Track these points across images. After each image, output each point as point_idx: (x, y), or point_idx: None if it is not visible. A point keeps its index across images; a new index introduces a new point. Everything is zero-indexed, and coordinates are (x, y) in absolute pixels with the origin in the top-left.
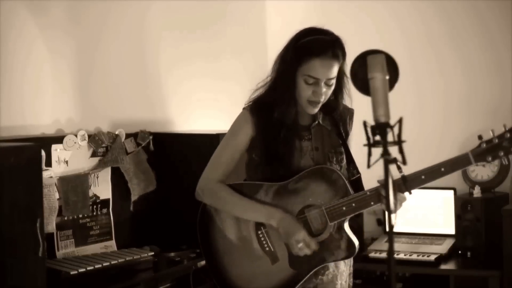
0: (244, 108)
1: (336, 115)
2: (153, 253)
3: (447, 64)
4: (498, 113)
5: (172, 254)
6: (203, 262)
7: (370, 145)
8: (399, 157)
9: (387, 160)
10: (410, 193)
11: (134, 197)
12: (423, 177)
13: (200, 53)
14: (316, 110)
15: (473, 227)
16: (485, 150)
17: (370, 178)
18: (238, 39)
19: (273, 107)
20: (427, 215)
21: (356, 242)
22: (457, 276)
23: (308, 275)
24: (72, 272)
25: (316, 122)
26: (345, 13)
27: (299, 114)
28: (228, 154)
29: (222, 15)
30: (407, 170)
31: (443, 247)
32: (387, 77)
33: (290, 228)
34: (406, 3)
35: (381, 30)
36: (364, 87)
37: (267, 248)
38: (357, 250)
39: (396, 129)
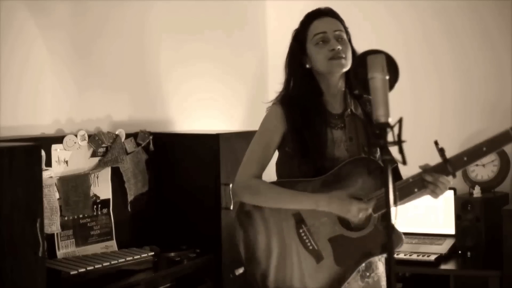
0: (273, 103)
1: (368, 107)
2: (153, 253)
3: (444, 64)
4: (496, 113)
5: (172, 254)
6: (240, 270)
7: (371, 145)
8: (399, 157)
9: (387, 160)
10: (454, 176)
11: (130, 197)
12: (465, 158)
13: (200, 53)
14: (342, 66)
15: (473, 227)
16: None
17: None
18: (238, 39)
19: (297, 96)
20: (427, 215)
21: (401, 232)
22: (457, 276)
23: (356, 271)
24: (72, 272)
25: (349, 110)
26: (344, 13)
27: (329, 103)
28: (261, 150)
29: (222, 15)
30: (407, 170)
31: (443, 247)
32: (387, 77)
33: (342, 207)
34: (404, 3)
35: (379, 30)
36: (364, 87)
37: (311, 247)
38: (403, 240)
39: (396, 129)
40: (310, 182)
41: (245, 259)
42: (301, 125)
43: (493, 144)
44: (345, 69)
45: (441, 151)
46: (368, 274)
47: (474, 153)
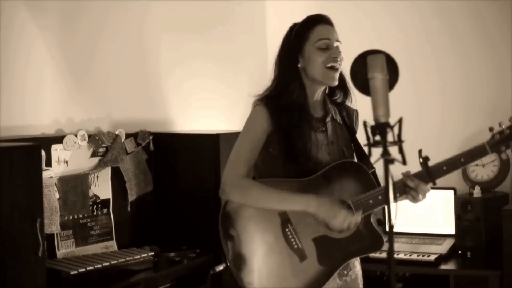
0: (257, 104)
1: (344, 113)
2: (153, 253)
3: (445, 64)
4: (496, 113)
5: (172, 254)
6: (221, 267)
7: (370, 145)
8: (399, 157)
9: (387, 160)
10: (434, 184)
11: (132, 197)
12: (444, 168)
13: (200, 53)
14: (336, 78)
15: (473, 227)
16: (500, 141)
17: None
18: (238, 39)
19: (285, 97)
20: (427, 215)
21: (382, 235)
22: (457, 276)
23: (338, 271)
24: (72, 272)
25: (331, 115)
26: (345, 13)
27: (311, 107)
28: (248, 150)
29: (222, 16)
30: (407, 169)
31: (443, 247)
32: (387, 77)
33: (330, 212)
34: (405, 3)
35: (380, 30)
36: (364, 87)
37: (295, 246)
38: (384, 243)
39: (396, 129)
40: (297, 183)
41: (230, 256)
42: (286, 126)
43: (470, 157)
44: (335, 84)
45: (424, 160)
46: (345, 272)
47: (453, 163)
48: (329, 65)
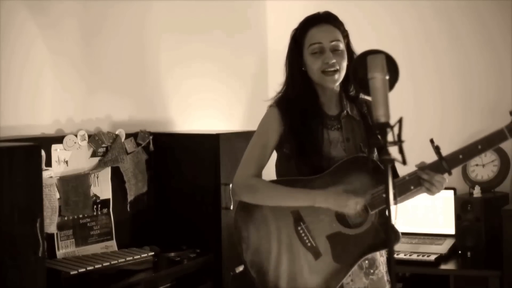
0: (270, 105)
1: (363, 108)
2: (153, 253)
3: (445, 64)
4: (496, 113)
5: (172, 254)
6: (240, 268)
7: (370, 144)
8: (399, 157)
9: (387, 160)
10: (450, 173)
11: (130, 197)
12: (461, 156)
13: (200, 53)
14: (335, 81)
15: (473, 227)
16: None
17: None
18: (238, 39)
19: (294, 98)
20: (427, 215)
21: (399, 229)
22: (457, 276)
23: (353, 268)
24: (72, 272)
25: (345, 112)
26: (344, 13)
27: (325, 104)
28: (260, 150)
29: (222, 16)
30: (407, 169)
31: (443, 247)
32: (387, 77)
33: (339, 201)
34: (405, 3)
35: (380, 30)
36: (364, 87)
37: (309, 244)
38: (400, 238)
39: (396, 129)
40: (308, 181)
41: (245, 257)
42: (297, 125)
43: (488, 143)
44: (337, 83)
45: (437, 149)
46: (372, 271)
47: (469, 151)
48: (323, 70)
